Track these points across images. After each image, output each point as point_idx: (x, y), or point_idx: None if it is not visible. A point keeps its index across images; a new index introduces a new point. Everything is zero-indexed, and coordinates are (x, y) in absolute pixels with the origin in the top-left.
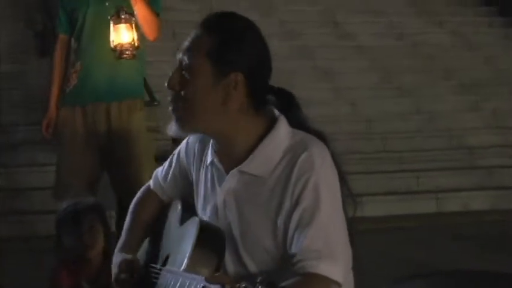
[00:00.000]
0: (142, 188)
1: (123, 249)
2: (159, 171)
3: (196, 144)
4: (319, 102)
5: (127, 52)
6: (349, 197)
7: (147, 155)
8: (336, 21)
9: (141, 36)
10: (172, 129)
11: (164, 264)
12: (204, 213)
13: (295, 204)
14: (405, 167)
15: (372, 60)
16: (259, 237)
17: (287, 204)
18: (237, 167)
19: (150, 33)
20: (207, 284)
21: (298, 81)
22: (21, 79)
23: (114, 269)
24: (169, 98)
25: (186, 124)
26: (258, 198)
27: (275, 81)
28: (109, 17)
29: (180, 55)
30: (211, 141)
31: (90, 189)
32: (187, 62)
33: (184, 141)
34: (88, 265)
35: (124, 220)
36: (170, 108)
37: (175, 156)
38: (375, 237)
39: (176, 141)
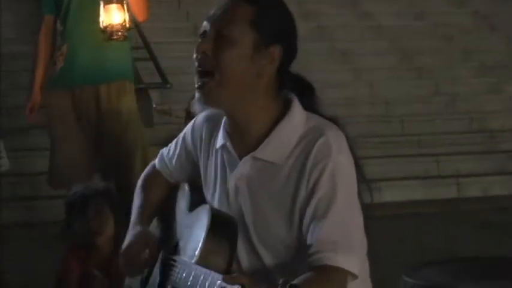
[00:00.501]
0: (148, 168)
1: (135, 226)
2: (165, 152)
3: (204, 127)
4: (337, 84)
5: (118, 33)
6: (363, 183)
7: (139, 140)
8: (354, 0)
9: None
10: (197, 105)
11: (174, 251)
12: (213, 199)
13: (311, 192)
14: (424, 151)
15: (390, 40)
16: (273, 226)
17: (303, 193)
18: (251, 153)
19: (140, 14)
20: (226, 285)
21: (316, 63)
22: (30, 61)
23: (125, 241)
24: (196, 64)
25: (217, 97)
26: (272, 185)
27: (292, 63)
28: None
29: (212, 22)
30: (224, 122)
31: (85, 175)
32: (226, 28)
33: (190, 124)
34: (97, 252)
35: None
36: (198, 83)
37: (180, 139)
38: (392, 224)
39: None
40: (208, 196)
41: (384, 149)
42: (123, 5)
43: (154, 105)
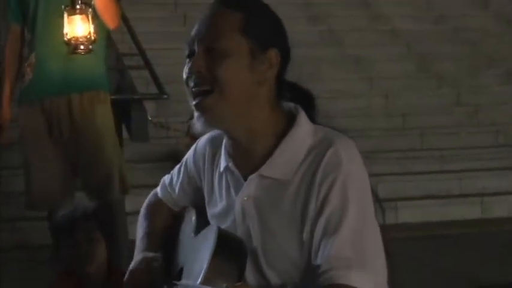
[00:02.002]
0: (150, 196)
1: (139, 254)
2: (167, 179)
3: (207, 149)
4: (349, 94)
5: (81, 47)
6: (376, 203)
7: (116, 155)
8: (367, 1)
9: (100, 25)
10: (197, 125)
11: (178, 277)
12: (219, 223)
13: (321, 207)
14: (446, 167)
15: (407, 46)
16: (283, 247)
17: (312, 208)
18: (256, 172)
19: (110, 21)
20: None
21: (325, 71)
22: None
23: (129, 269)
24: (192, 85)
25: (219, 113)
26: (281, 204)
27: (299, 71)
28: (63, 7)
29: (200, 36)
30: (224, 143)
31: (65, 194)
32: (216, 41)
33: (192, 148)
34: (90, 279)
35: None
36: (194, 102)
37: (182, 165)
38: (412, 246)
39: (193, 138)
40: (212, 221)
41: (401, 165)
42: (87, 16)
43: (149, 118)
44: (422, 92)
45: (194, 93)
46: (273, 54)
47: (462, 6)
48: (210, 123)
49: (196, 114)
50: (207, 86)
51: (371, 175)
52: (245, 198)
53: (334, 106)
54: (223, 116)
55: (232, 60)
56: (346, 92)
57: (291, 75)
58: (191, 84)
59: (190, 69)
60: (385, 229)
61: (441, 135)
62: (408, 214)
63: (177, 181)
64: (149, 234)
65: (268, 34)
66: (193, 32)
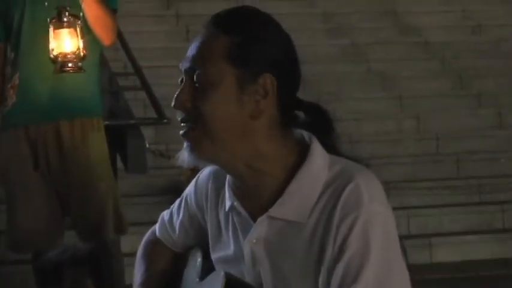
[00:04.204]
0: (148, 233)
1: None
2: (166, 216)
3: (210, 183)
4: (374, 116)
5: (69, 64)
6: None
7: (111, 188)
8: (395, 11)
9: (94, 41)
10: (184, 158)
11: None
12: (226, 270)
13: (339, 253)
14: (486, 197)
15: (441, 61)
16: None
17: (329, 254)
18: (266, 213)
19: (105, 36)
20: None
21: (348, 90)
22: None
23: None
24: (178, 118)
25: (205, 152)
26: (295, 247)
27: (318, 90)
28: (48, 20)
29: (187, 65)
30: (228, 179)
31: (53, 234)
32: (201, 70)
33: (192, 183)
34: None
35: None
36: (181, 132)
37: (182, 202)
38: None
39: (195, 170)
40: (218, 266)
41: (435, 196)
42: (76, 30)
43: (147, 146)
44: (459, 112)
45: (183, 127)
46: (268, 80)
47: (503, 15)
48: (198, 159)
49: (184, 144)
50: (192, 122)
51: (401, 208)
52: (254, 241)
53: (358, 129)
54: (212, 153)
55: (217, 92)
56: (372, 113)
57: (308, 95)
58: (178, 118)
59: (174, 102)
60: (420, 270)
61: (480, 162)
62: (444, 253)
63: (177, 219)
64: (148, 281)
65: (263, 60)
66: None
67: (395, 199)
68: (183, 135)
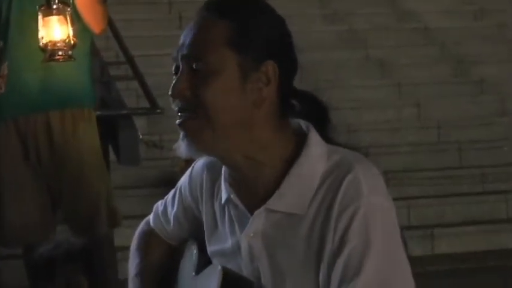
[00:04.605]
0: (142, 224)
1: None
2: (160, 207)
3: (204, 176)
4: (373, 104)
5: (59, 53)
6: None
7: (103, 182)
8: None
9: (84, 29)
10: (181, 148)
11: None
12: (223, 264)
13: (339, 246)
14: (489, 187)
15: (441, 47)
16: None
17: (329, 246)
18: (264, 205)
19: (96, 24)
20: None
21: (345, 77)
22: None
23: None
24: (175, 108)
25: (204, 142)
26: (294, 241)
27: (315, 77)
28: (37, 7)
29: (184, 52)
30: (224, 171)
31: (45, 228)
32: (201, 58)
33: (187, 174)
34: None
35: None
36: (178, 121)
37: (176, 193)
38: (452, 281)
39: (189, 161)
40: (214, 260)
41: (437, 186)
42: (65, 17)
43: (140, 136)
44: (460, 100)
45: (180, 117)
46: (270, 67)
47: None
48: (196, 149)
49: (181, 134)
50: (191, 112)
51: (401, 199)
52: (252, 235)
53: (356, 118)
54: (212, 143)
55: (219, 79)
56: (370, 101)
57: (305, 83)
58: (175, 108)
59: (172, 91)
60: (421, 261)
61: (483, 151)
62: (446, 243)
63: (171, 211)
64: (142, 273)
65: (263, 45)
66: (180, 42)
67: (395, 189)
68: (180, 124)
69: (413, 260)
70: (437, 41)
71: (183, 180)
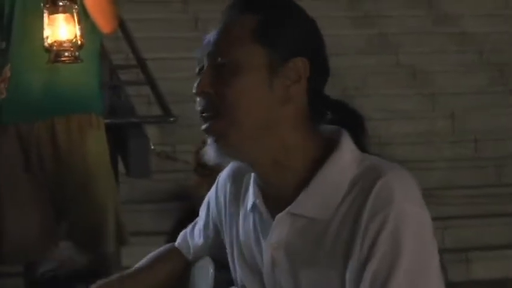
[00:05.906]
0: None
1: None
2: (188, 230)
3: (227, 186)
4: (404, 115)
5: (65, 54)
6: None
7: (111, 194)
8: None
9: (93, 28)
10: (209, 153)
11: None
12: (246, 278)
13: (368, 255)
14: None
15: (479, 53)
16: None
17: (356, 258)
18: (286, 209)
19: (105, 23)
20: None
21: (376, 85)
22: None
23: None
24: (199, 108)
25: (232, 143)
26: (318, 250)
27: (342, 85)
28: (42, 5)
29: (209, 49)
30: (253, 176)
31: (46, 244)
32: (226, 53)
33: (213, 187)
34: None
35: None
36: (203, 127)
37: (204, 208)
38: None
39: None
40: (238, 275)
41: (473, 206)
42: (72, 15)
43: (152, 146)
44: (499, 111)
45: (204, 118)
46: (300, 63)
47: None
48: (224, 153)
49: (208, 140)
50: (215, 111)
51: (435, 219)
52: (275, 246)
53: (386, 130)
54: (239, 145)
55: (245, 76)
56: (401, 112)
57: (331, 90)
58: (199, 108)
59: (196, 90)
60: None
61: None
62: (483, 268)
63: (200, 224)
64: (141, 272)
65: (294, 40)
66: (203, 43)
67: (429, 208)
68: (206, 130)
69: (447, 287)
70: (475, 47)
71: (211, 192)
